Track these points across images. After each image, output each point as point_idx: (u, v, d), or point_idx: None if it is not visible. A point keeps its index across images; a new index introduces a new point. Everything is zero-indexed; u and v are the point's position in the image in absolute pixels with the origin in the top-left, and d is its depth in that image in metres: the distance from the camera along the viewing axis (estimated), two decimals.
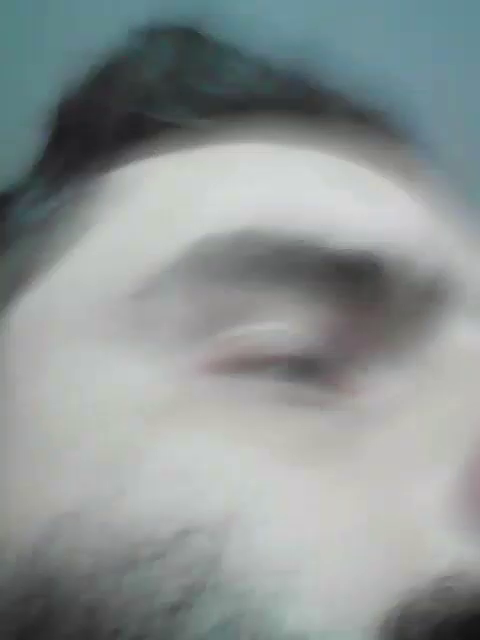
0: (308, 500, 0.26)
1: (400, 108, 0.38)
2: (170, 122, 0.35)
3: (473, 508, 0.25)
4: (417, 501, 0.26)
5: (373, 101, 0.37)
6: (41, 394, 0.29)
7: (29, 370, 0.30)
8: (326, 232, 0.29)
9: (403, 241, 0.30)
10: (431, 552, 0.25)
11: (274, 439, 0.27)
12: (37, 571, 0.26)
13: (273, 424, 0.28)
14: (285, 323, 0.29)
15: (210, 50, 0.38)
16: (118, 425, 0.28)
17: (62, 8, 0.79)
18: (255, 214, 0.30)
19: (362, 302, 0.29)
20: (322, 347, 0.29)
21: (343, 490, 0.26)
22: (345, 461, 0.27)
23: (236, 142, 0.34)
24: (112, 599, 0.25)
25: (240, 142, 0.34)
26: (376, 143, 0.35)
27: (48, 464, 0.28)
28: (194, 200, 0.32)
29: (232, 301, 0.29)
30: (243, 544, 0.25)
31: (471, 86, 0.81)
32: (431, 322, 0.30)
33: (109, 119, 0.36)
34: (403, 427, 0.28)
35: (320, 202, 0.31)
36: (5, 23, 0.79)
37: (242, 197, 0.31)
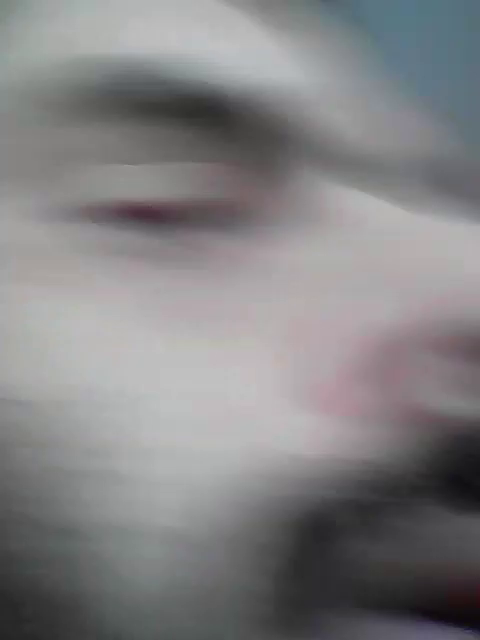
0: (157, 362, 0.25)
1: None
2: None
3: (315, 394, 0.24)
4: (260, 377, 0.25)
5: None
6: None
7: None
8: (164, 61, 0.27)
9: (247, 77, 0.27)
10: (268, 430, 0.24)
11: (123, 297, 0.25)
12: None
13: (121, 282, 0.26)
14: (135, 171, 0.26)
15: None
16: None
17: None
18: (87, 40, 0.27)
19: (212, 147, 0.27)
20: (177, 203, 0.26)
21: (190, 356, 0.25)
22: (199, 325, 0.26)
23: None
24: None
25: None
26: None
27: None
28: (22, 23, 0.28)
29: (76, 138, 0.26)
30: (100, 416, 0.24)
31: None
32: (288, 177, 0.27)
33: None
34: (261, 294, 0.26)
35: (159, 29, 0.28)
36: None
37: (73, 24, 0.28)
